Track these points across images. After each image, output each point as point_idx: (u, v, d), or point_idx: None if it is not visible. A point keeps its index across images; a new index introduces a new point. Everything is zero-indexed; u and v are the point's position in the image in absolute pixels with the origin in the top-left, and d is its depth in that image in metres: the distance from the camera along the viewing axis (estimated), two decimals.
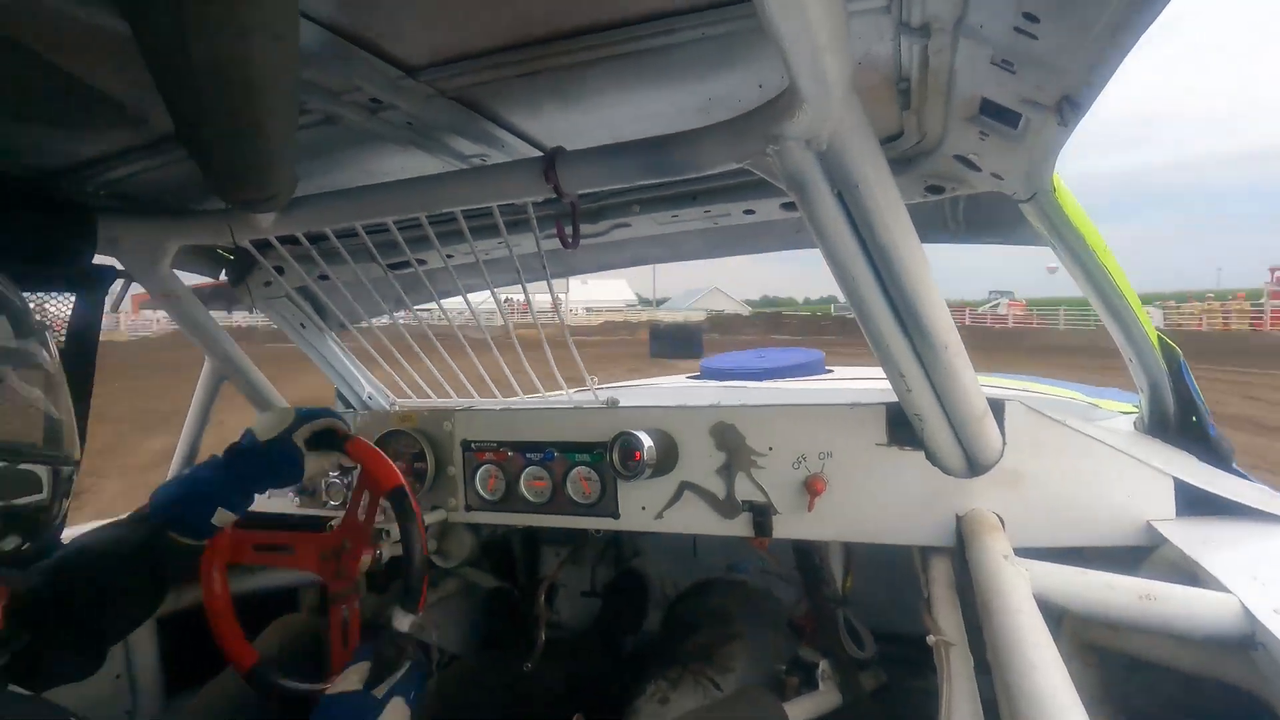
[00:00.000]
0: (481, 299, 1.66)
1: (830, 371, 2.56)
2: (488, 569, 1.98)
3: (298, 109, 0.80)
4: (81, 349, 1.24)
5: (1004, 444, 1.15)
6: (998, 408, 1.14)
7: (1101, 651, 1.01)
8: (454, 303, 1.62)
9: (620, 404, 1.48)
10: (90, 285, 1.22)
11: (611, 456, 1.33)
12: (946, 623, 1.00)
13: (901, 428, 1.20)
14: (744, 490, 1.32)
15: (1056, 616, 0.96)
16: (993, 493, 1.16)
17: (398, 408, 1.77)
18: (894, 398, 1.12)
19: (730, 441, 1.33)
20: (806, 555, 1.60)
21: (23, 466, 0.70)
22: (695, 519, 1.36)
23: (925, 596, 1.12)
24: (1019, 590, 0.88)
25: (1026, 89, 0.73)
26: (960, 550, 1.12)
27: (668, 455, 1.35)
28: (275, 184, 0.94)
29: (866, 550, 1.45)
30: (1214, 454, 1.21)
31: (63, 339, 1.23)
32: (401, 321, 1.68)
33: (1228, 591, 0.87)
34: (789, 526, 1.29)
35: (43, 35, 0.69)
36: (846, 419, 1.25)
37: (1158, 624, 0.89)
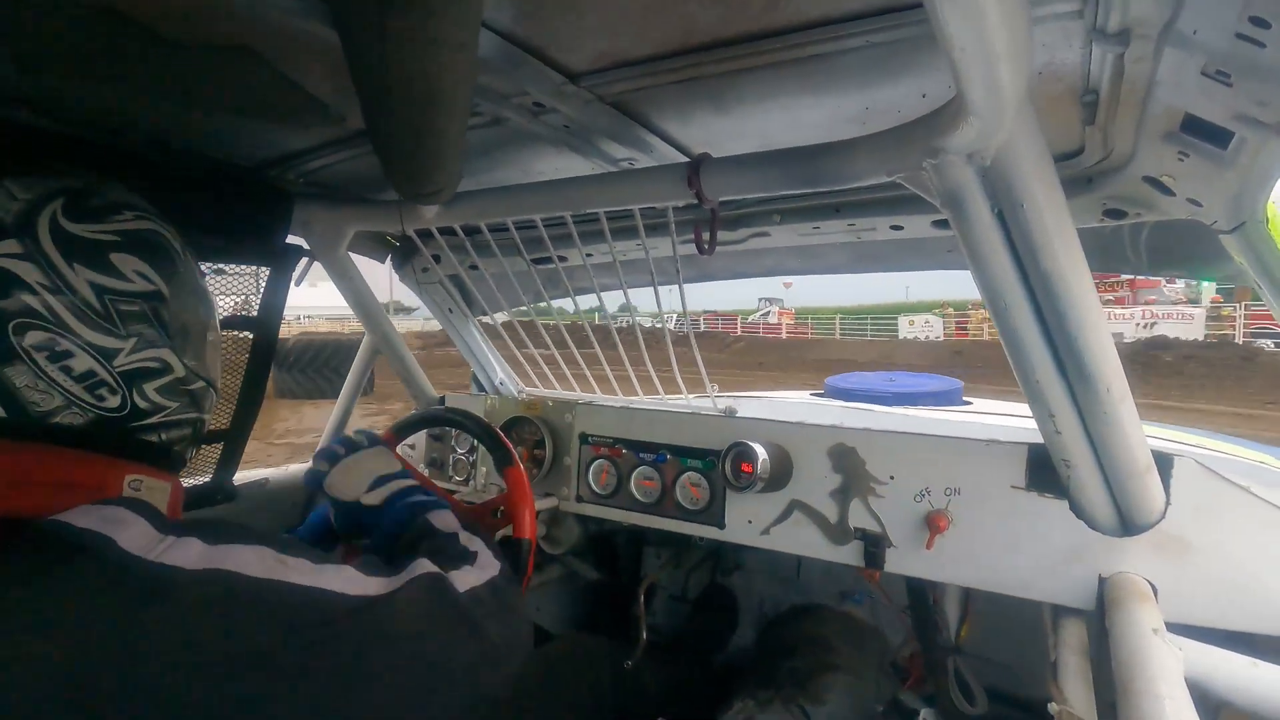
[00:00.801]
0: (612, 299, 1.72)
1: (969, 403, 2.40)
2: (591, 561, 2.04)
3: (469, 112, 0.88)
4: (269, 316, 1.41)
5: (1167, 504, 1.03)
6: (1165, 462, 1.02)
7: None
8: (586, 300, 1.68)
9: (738, 414, 1.47)
10: (282, 262, 1.39)
11: (724, 465, 1.33)
12: (1074, 693, 0.91)
13: (1044, 471, 1.10)
14: (858, 518, 1.27)
15: (1213, 708, 0.85)
16: (1147, 557, 1.04)
17: (525, 395, 1.86)
18: (1038, 438, 1.03)
19: (849, 465, 1.28)
20: (920, 595, 1.51)
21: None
22: (802, 540, 1.32)
23: (1051, 660, 1.02)
24: (1169, 670, 0.79)
25: (1244, 104, 0.64)
26: (1100, 615, 1.01)
27: (781, 471, 1.33)
28: (443, 180, 1.03)
29: (988, 600, 1.34)
30: None
31: (255, 309, 1.41)
32: (539, 318, 1.77)
33: None
34: (904, 562, 1.23)
35: (268, 42, 0.79)
36: (981, 455, 1.17)
37: None
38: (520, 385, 1.93)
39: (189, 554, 0.57)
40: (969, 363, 17.51)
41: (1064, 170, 0.98)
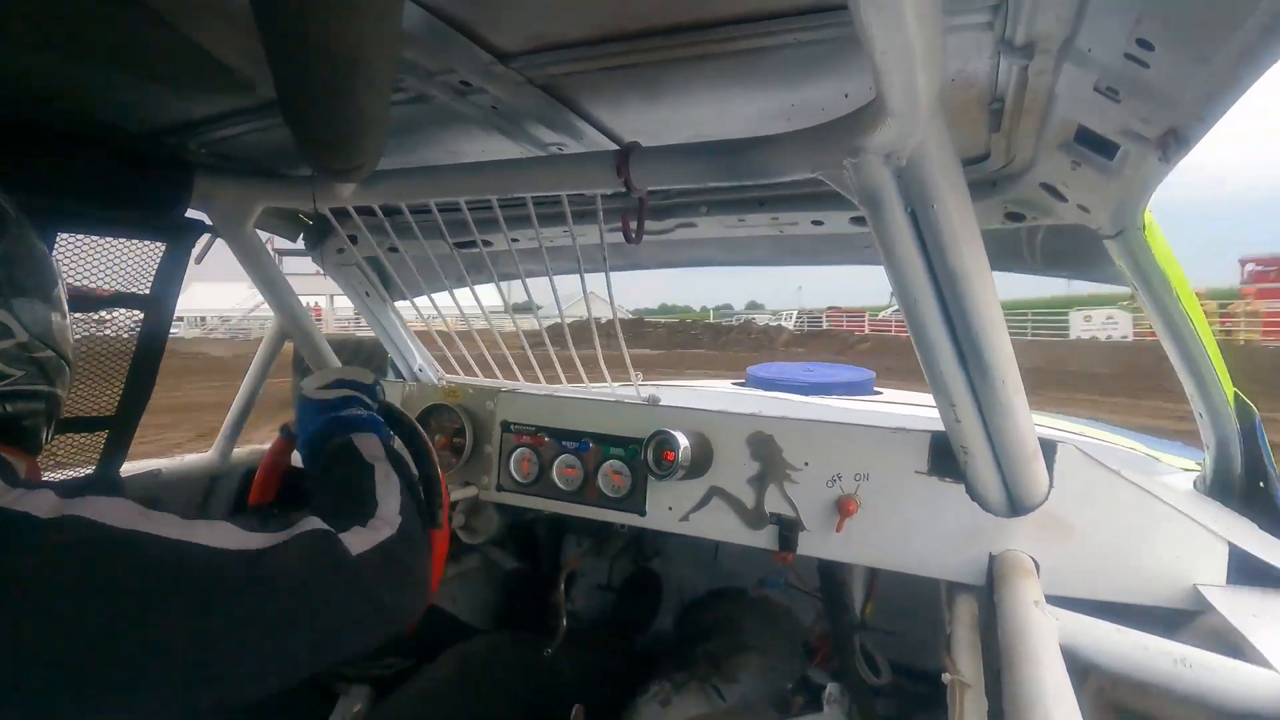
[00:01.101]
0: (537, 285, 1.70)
1: (879, 393, 2.53)
2: (511, 551, 2.02)
3: (392, 86, 0.84)
4: (164, 295, 1.32)
5: (1050, 487, 1.12)
6: (1049, 449, 1.11)
7: (1124, 713, 0.98)
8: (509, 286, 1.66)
9: (661, 402, 1.49)
10: (180, 237, 1.29)
11: (646, 453, 1.34)
12: (965, 663, 0.98)
13: (944, 458, 1.17)
14: (773, 503, 1.31)
15: (1082, 671, 0.92)
16: (1031, 536, 1.13)
17: (445, 383, 1.82)
18: (941, 426, 1.10)
19: (766, 452, 1.32)
20: (830, 576, 1.58)
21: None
22: (720, 525, 1.36)
23: (947, 634, 1.09)
24: (1046, 639, 0.86)
25: (1129, 120, 0.70)
26: (989, 590, 1.10)
27: (702, 458, 1.36)
28: (361, 156, 0.98)
29: (891, 578, 1.43)
30: (1278, 523, 1.15)
31: (149, 288, 1.31)
32: (460, 301, 1.73)
33: (1272, 669, 0.83)
34: (814, 545, 1.28)
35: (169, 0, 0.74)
36: (888, 443, 1.24)
37: (1192, 692, 0.86)
38: (440, 372, 1.88)
39: (42, 503, 0.55)
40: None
41: (971, 174, 1.04)
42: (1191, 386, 1.17)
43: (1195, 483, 1.33)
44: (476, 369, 1.78)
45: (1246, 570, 1.06)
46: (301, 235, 1.67)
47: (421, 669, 1.56)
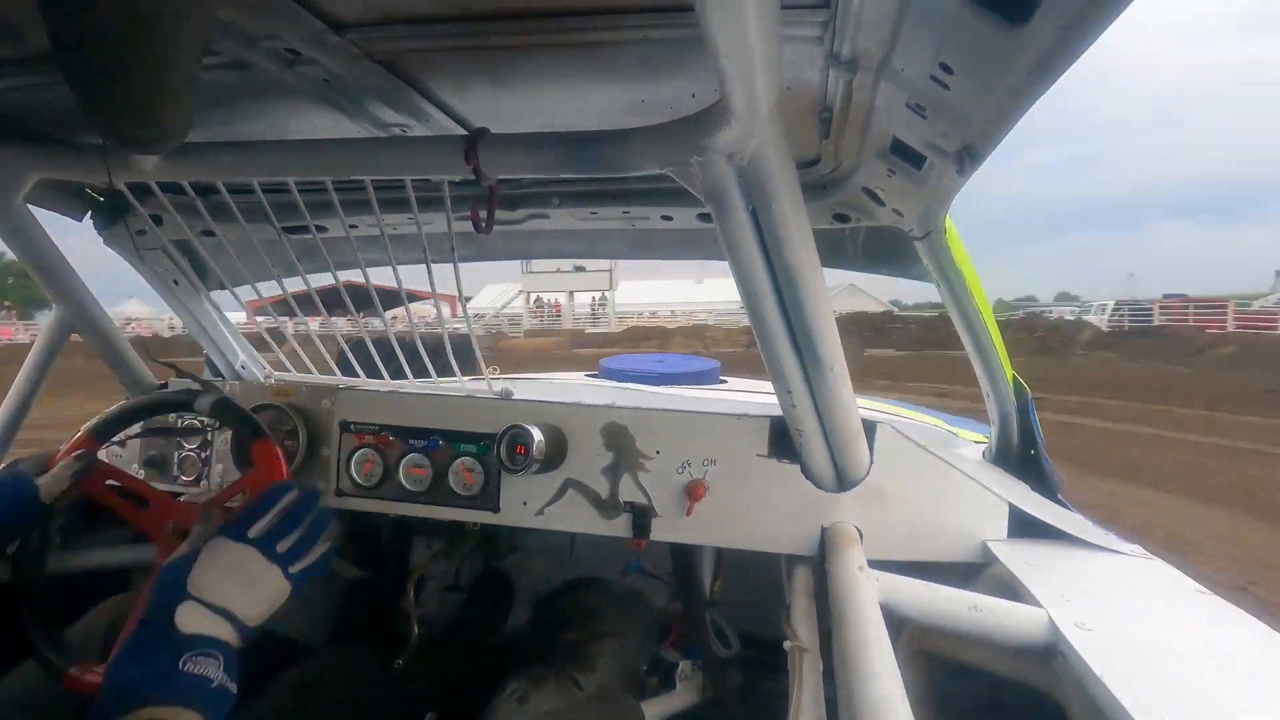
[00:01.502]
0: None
1: (724, 381, 2.66)
2: (353, 559, 1.90)
3: (203, 47, 0.75)
4: None
5: (871, 463, 1.24)
6: (870, 429, 1.23)
7: (931, 657, 1.10)
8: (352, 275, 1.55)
9: (514, 396, 1.47)
10: None
11: (499, 449, 1.31)
12: (802, 629, 1.06)
13: (782, 441, 1.26)
14: (627, 492, 1.34)
15: (898, 625, 1.03)
16: (856, 508, 1.25)
17: (273, 381, 1.66)
18: (779, 411, 1.18)
19: (620, 442, 1.34)
20: (682, 558, 1.65)
21: None
22: (575, 517, 1.36)
23: (787, 604, 1.18)
24: (868, 600, 0.95)
25: (933, 135, 0.79)
26: (821, 560, 1.20)
27: (556, 451, 1.35)
28: (165, 124, 0.86)
29: (737, 556, 1.51)
30: (1045, 485, 1.36)
31: None
32: (291, 291, 1.58)
33: (1040, 606, 0.97)
34: (667, 530, 1.32)
35: None
36: (733, 428, 1.31)
37: (980, 633, 0.98)
38: (268, 369, 1.71)
39: None
40: None
41: (803, 177, 1.12)
42: (981, 370, 1.35)
43: (984, 453, 1.53)
44: (311, 365, 1.64)
45: (1023, 526, 1.23)
46: (90, 213, 1.44)
47: (249, 704, 1.41)
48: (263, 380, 1.68)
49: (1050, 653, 0.92)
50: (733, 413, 1.33)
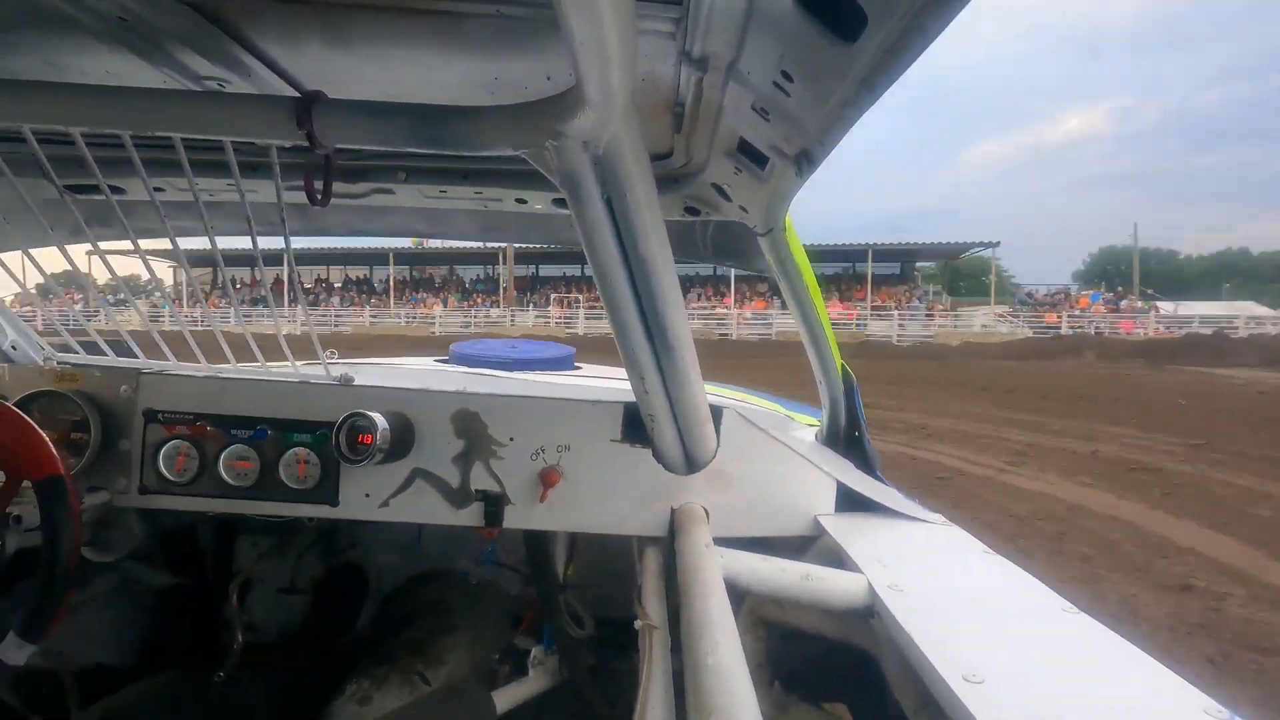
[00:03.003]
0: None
1: (579, 368, 2.67)
2: (163, 564, 1.69)
3: None
4: None
5: (718, 446, 1.31)
6: (717, 414, 1.29)
7: (769, 625, 1.18)
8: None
9: (355, 382, 1.37)
10: None
11: (338, 438, 1.22)
12: (653, 607, 1.10)
13: (635, 426, 1.29)
14: (479, 480, 1.31)
15: (740, 597, 1.09)
16: (703, 489, 1.31)
17: (54, 364, 1.43)
18: (632, 397, 1.21)
19: (471, 430, 1.31)
20: (536, 545, 1.64)
21: None
22: (424, 508, 1.31)
23: (639, 583, 1.22)
24: (713, 575, 1.00)
25: (775, 138, 0.83)
26: (670, 540, 1.25)
27: (403, 440, 1.29)
28: None
29: (591, 539, 1.53)
30: (867, 463, 1.51)
31: None
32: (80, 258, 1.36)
33: (860, 572, 1.07)
34: (520, 517, 1.31)
35: None
36: (587, 414, 1.32)
37: (812, 600, 1.07)
38: (47, 350, 1.47)
39: None
40: None
41: (657, 169, 1.15)
42: (814, 358, 1.46)
43: (816, 435, 1.67)
44: (106, 347, 1.43)
45: (848, 500, 1.36)
46: None
47: None
48: (40, 363, 1.44)
49: (869, 613, 1.03)
50: (587, 399, 1.34)
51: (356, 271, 40.70)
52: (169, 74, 0.92)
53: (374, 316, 33.37)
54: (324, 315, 32.79)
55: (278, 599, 1.86)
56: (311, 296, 37.55)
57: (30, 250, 1.33)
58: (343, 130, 0.83)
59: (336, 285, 39.93)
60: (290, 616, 1.85)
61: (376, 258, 38.18)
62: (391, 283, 37.67)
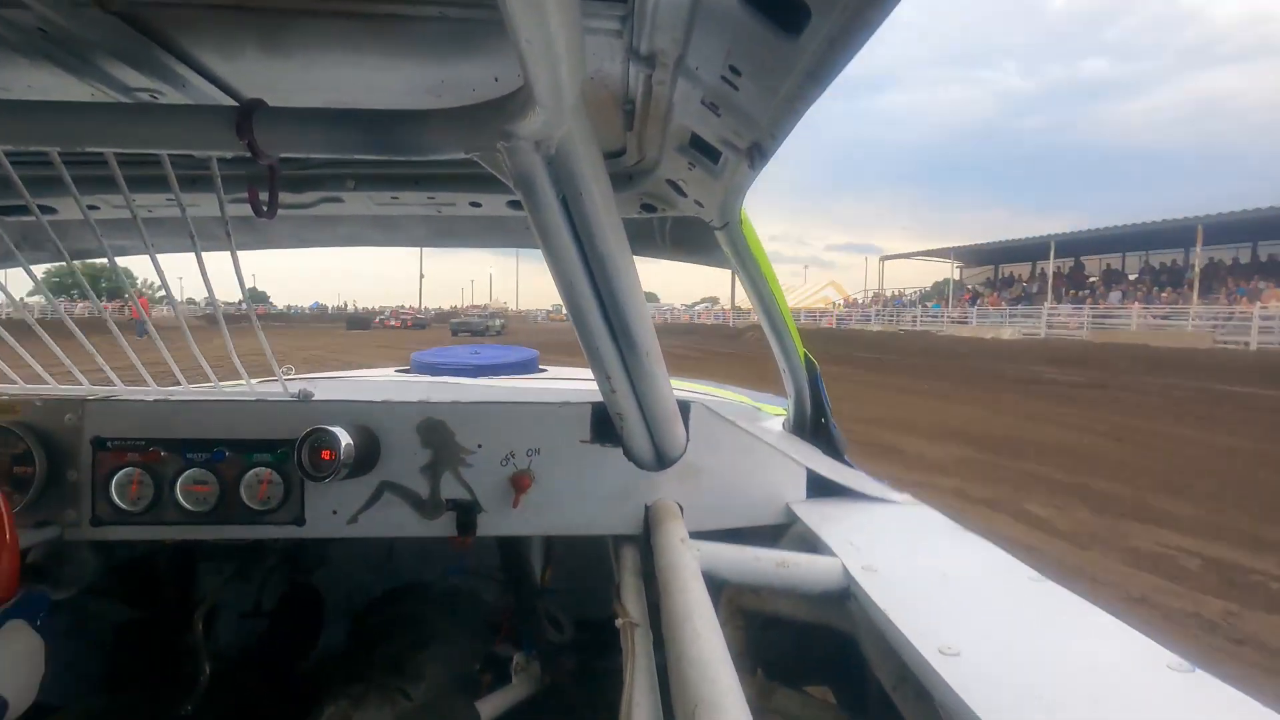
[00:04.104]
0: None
1: (544, 370, 2.65)
2: (119, 597, 1.63)
3: None
4: None
5: (688, 441, 1.31)
6: (685, 409, 1.30)
7: (748, 613, 1.19)
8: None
9: (315, 397, 1.34)
10: None
11: (300, 456, 1.18)
12: (632, 604, 1.10)
13: (604, 425, 1.29)
14: (449, 489, 1.29)
15: (718, 588, 1.10)
16: (676, 484, 1.31)
17: None
18: (599, 397, 1.20)
19: (438, 439, 1.29)
20: (510, 551, 1.62)
21: None
22: (394, 521, 1.28)
23: (616, 582, 1.22)
24: (690, 568, 1.00)
25: (726, 132, 0.83)
26: (646, 537, 1.25)
27: (368, 454, 1.26)
28: None
29: (566, 542, 1.53)
30: (834, 448, 1.54)
31: None
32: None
33: (834, 555, 1.09)
34: (494, 524, 1.30)
35: None
36: (555, 417, 1.31)
37: (788, 586, 1.08)
38: None
39: None
40: None
41: (611, 167, 1.14)
42: (777, 348, 1.47)
43: (783, 424, 1.69)
44: (45, 375, 1.37)
45: (817, 486, 1.38)
46: None
47: None
48: None
49: (845, 595, 1.05)
50: (554, 401, 1.33)
51: (1163, 258, 30.54)
52: (97, 87, 0.88)
53: (1163, 317, 23.89)
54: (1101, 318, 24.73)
55: (243, 625, 1.81)
56: (1085, 293, 30.03)
57: None
58: (286, 139, 0.81)
59: (1130, 276, 30.94)
60: (255, 642, 1.80)
61: (1182, 236, 25.69)
62: (1197, 268, 25.31)
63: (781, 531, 1.33)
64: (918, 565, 1.06)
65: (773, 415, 1.96)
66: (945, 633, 0.81)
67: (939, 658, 0.75)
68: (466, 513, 1.28)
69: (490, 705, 1.54)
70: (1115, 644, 0.80)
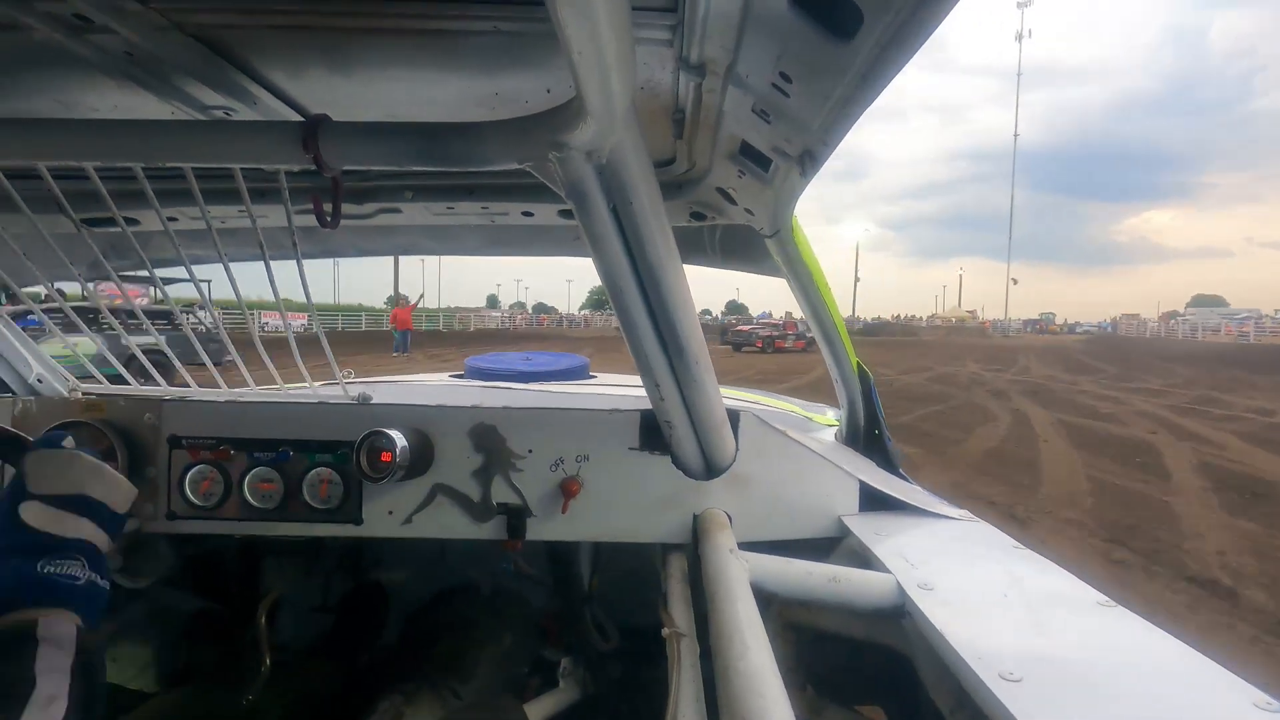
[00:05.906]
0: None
1: (594, 377, 2.67)
2: (191, 589, 1.71)
3: None
4: None
5: (737, 450, 1.30)
6: (734, 418, 1.29)
7: (798, 628, 1.17)
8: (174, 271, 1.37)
9: (373, 400, 1.38)
10: None
11: (359, 457, 1.22)
12: (679, 614, 1.09)
13: (652, 433, 1.29)
14: (500, 493, 1.31)
15: (767, 601, 1.08)
16: (724, 493, 1.30)
17: (80, 395, 1.45)
18: (648, 405, 1.20)
19: (490, 443, 1.31)
20: (559, 556, 1.64)
21: None
22: (446, 523, 1.31)
23: (663, 591, 1.21)
24: (739, 580, 0.99)
25: (777, 139, 0.83)
26: (694, 546, 1.24)
27: (422, 456, 1.29)
28: None
29: (614, 549, 1.53)
30: (889, 461, 1.49)
31: None
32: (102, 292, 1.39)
33: (889, 572, 1.06)
34: (543, 529, 1.31)
35: None
36: (605, 424, 1.31)
37: (840, 602, 1.06)
38: (72, 381, 1.49)
39: None
40: None
41: (661, 176, 1.14)
42: (830, 358, 1.44)
43: (836, 435, 1.65)
44: (129, 376, 1.45)
45: (870, 499, 1.34)
46: None
47: None
48: (66, 394, 1.46)
49: (899, 613, 1.01)
50: (603, 408, 1.33)
51: None
52: (177, 105, 0.93)
53: None
54: None
55: (303, 619, 1.87)
56: None
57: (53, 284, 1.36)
58: (348, 152, 0.84)
59: None
60: (316, 636, 1.87)
61: None
62: None
63: (832, 545, 1.30)
64: (976, 584, 1.02)
65: (824, 425, 1.92)
66: (1007, 657, 0.77)
67: (1000, 683, 0.72)
68: (516, 516, 1.29)
69: (538, 709, 1.55)
70: (1195, 679, 0.74)
